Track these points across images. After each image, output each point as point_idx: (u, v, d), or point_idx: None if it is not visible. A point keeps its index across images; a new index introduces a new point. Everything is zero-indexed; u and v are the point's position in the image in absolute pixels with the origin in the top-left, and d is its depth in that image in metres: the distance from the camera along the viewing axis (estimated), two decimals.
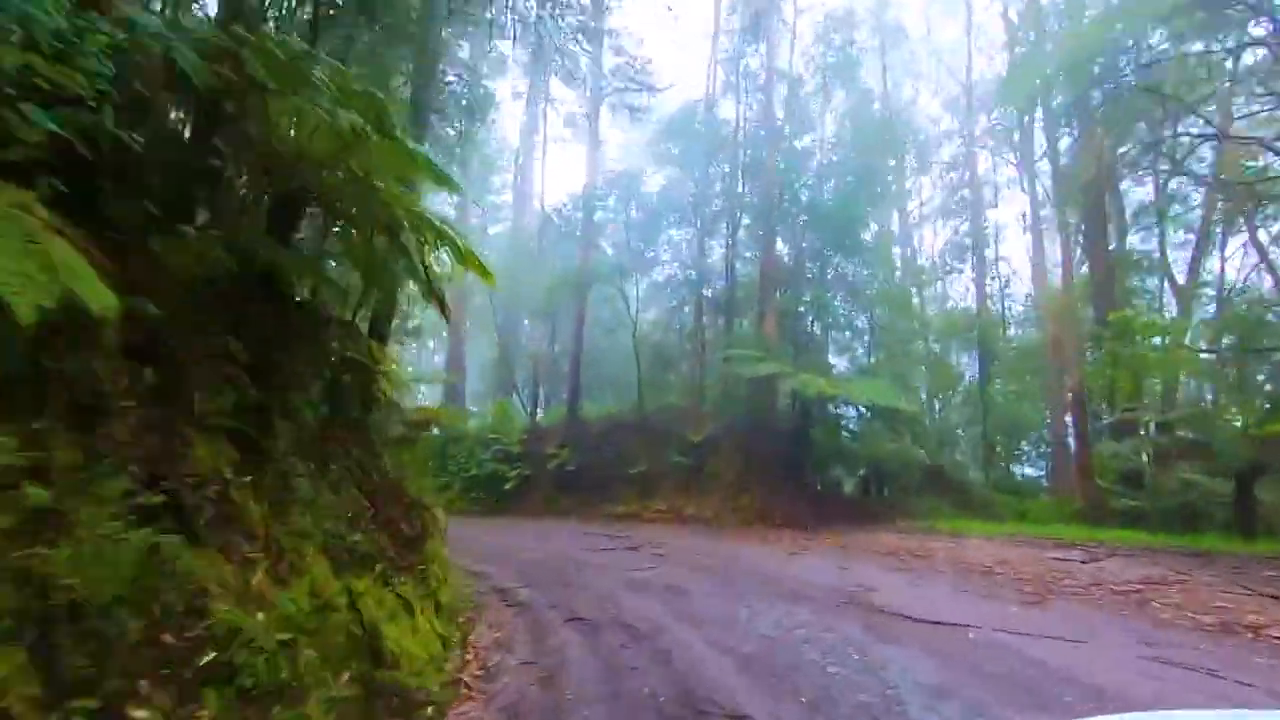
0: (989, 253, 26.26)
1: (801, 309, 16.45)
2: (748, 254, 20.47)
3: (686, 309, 22.10)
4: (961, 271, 24.16)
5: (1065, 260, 16.47)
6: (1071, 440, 21.84)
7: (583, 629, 5.81)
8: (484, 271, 5.78)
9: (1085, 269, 17.22)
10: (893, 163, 20.85)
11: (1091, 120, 15.58)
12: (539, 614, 6.59)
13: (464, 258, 5.59)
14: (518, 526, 14.53)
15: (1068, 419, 21.76)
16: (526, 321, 27.53)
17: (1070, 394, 15.48)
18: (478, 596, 7.77)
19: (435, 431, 20.94)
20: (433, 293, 5.70)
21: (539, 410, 23.27)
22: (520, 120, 30.00)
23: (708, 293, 20.39)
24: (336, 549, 3.66)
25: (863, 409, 15.37)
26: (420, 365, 32.45)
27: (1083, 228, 16.61)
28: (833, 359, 19.48)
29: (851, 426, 18.62)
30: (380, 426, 6.56)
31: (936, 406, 24.16)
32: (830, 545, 9.89)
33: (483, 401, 26.33)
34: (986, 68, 26.82)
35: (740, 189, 19.59)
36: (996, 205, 27.19)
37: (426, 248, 5.70)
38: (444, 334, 30.14)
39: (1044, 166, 21.88)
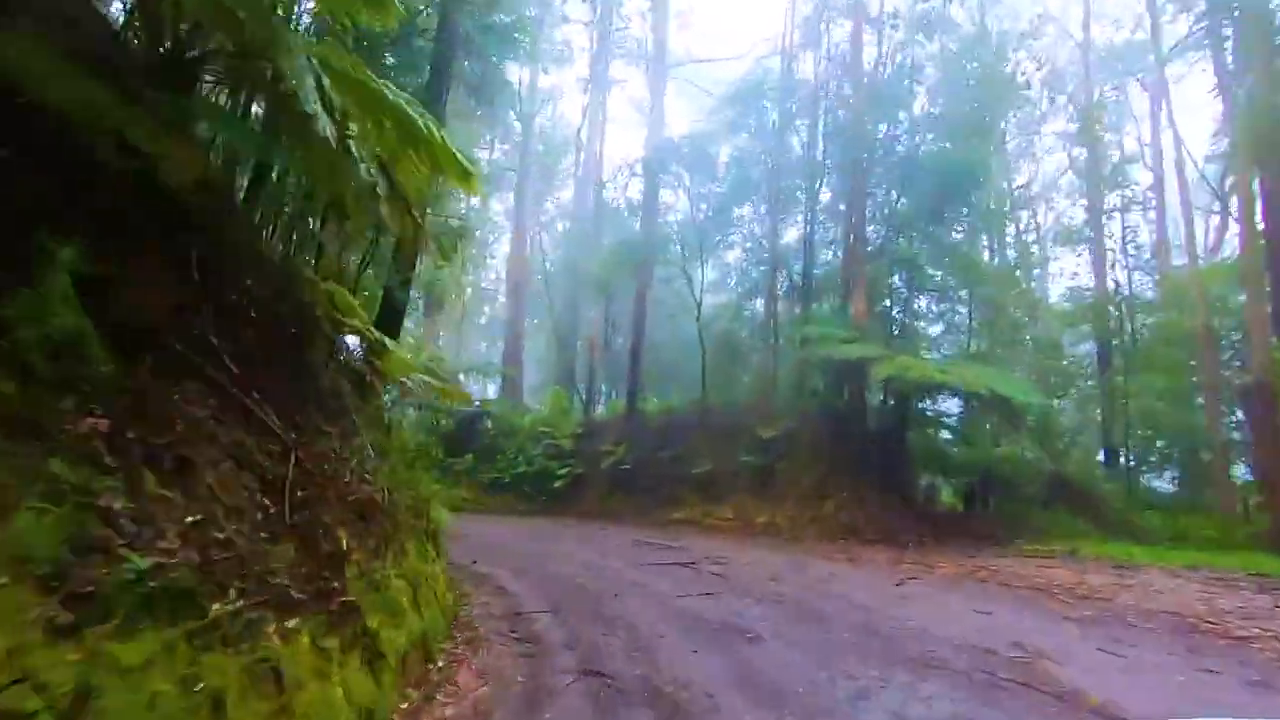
0: (1114, 230, 22.54)
1: (896, 280, 13.89)
2: (830, 230, 18.08)
3: (758, 301, 19.90)
4: (1093, 241, 20.44)
5: (1243, 230, 13.15)
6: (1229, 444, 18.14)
7: (599, 695, 3.95)
8: (461, 173, 4.04)
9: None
10: (1000, 123, 17.84)
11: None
12: (549, 658, 4.79)
13: (432, 150, 3.86)
14: (563, 530, 12.88)
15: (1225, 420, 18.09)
16: (592, 315, 26.09)
17: (1253, 387, 12.22)
18: (484, 622, 6.07)
19: (488, 424, 19.80)
20: (387, 197, 4.00)
21: (598, 404, 21.73)
22: (582, 103, 28.53)
23: (782, 277, 18.15)
24: (87, 583, 1.94)
25: (971, 404, 12.73)
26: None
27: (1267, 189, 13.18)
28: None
29: (952, 424, 15.90)
30: (332, 395, 4.95)
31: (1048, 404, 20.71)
32: (949, 573, 7.56)
33: (540, 396, 25.04)
34: (1100, 33, 23.41)
35: (821, 155, 17.21)
36: (1124, 178, 23.34)
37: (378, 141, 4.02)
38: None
39: (1189, 129, 18.32)
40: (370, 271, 9.02)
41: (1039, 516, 13.42)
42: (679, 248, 17.12)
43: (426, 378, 8.50)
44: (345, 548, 3.72)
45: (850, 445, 12.65)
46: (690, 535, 12.01)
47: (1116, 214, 22.13)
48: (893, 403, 12.46)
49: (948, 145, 13.52)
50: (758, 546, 10.62)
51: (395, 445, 6.16)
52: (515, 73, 27.06)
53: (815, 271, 17.08)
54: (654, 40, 25.94)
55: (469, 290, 35.42)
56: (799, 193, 18.31)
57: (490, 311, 37.06)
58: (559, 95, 32.28)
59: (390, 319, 8.91)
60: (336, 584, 3.36)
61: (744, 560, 8.79)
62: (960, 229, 15.29)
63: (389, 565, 4.18)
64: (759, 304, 19.99)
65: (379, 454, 5.66)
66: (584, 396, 19.62)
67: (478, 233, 31.92)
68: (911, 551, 9.31)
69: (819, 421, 13.81)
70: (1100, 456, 18.34)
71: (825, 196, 18.17)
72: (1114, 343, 18.79)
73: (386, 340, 5.25)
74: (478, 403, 21.11)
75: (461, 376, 27.34)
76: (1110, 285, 20.60)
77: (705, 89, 25.32)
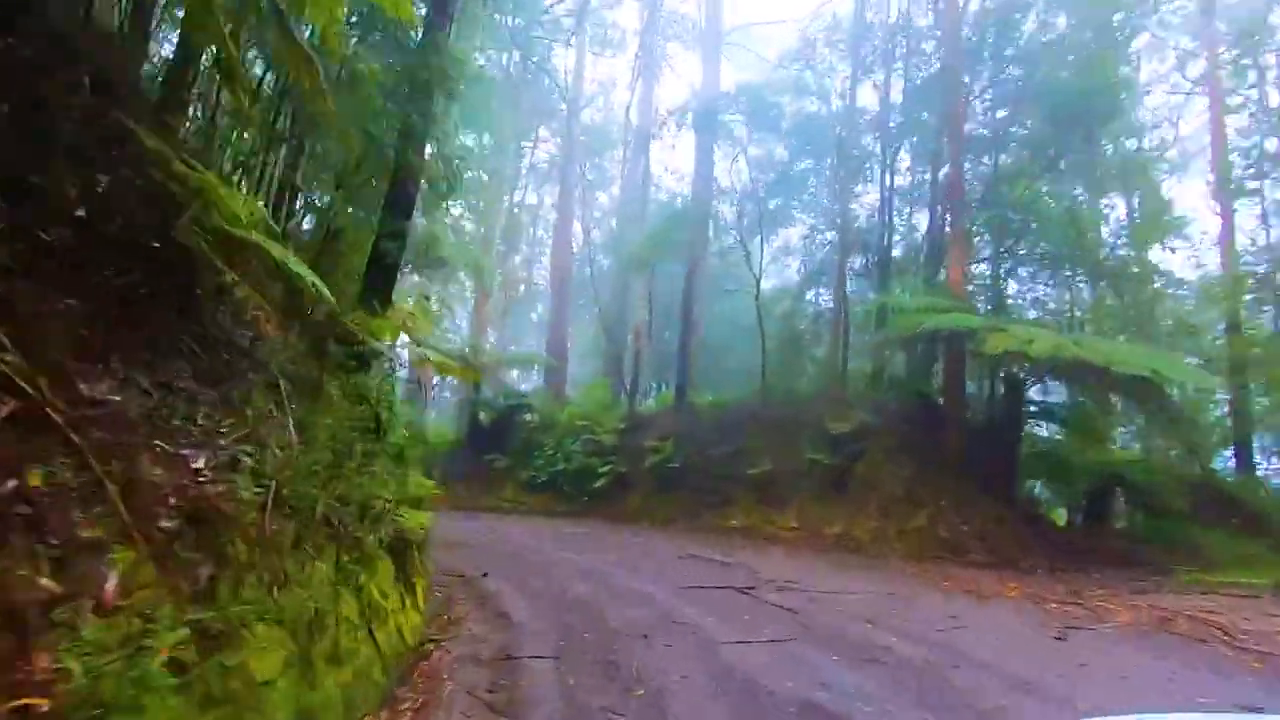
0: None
1: (992, 249, 11.36)
2: (910, 199, 15.71)
3: (821, 290, 17.60)
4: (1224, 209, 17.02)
5: None
6: None
7: None
8: None
9: None
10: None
11: None
12: None
13: None
14: (599, 536, 11.14)
15: None
16: (640, 303, 24.35)
17: None
18: (460, 670, 4.40)
19: (528, 418, 18.27)
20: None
21: (648, 397, 19.95)
22: (629, 80, 26.74)
23: (854, 252, 15.87)
24: None
25: (1104, 393, 10.16)
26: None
27: None
28: None
29: (1062, 418, 13.13)
30: (226, 345, 3.32)
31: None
32: (1129, 621, 5.27)
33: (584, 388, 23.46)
34: None
35: (901, 110, 14.90)
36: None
37: None
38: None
39: None
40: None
41: (1189, 535, 10.68)
42: (736, 220, 15.05)
43: (422, 349, 6.91)
44: (108, 587, 2.01)
45: (945, 443, 10.35)
46: (747, 547, 10.04)
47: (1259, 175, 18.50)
48: (1001, 390, 10.02)
49: (1065, 75, 10.91)
50: (833, 565, 8.54)
51: (341, 425, 4.50)
52: (561, 59, 25.83)
53: (892, 240, 14.77)
54: (707, 8, 23.94)
55: (522, 287, 34.49)
56: (871, 161, 16.09)
57: (544, 308, 35.95)
58: (610, 88, 30.97)
59: (379, 277, 7.37)
60: (26, 666, 1.66)
61: (820, 585, 6.77)
62: (1075, 189, 12.59)
63: (232, 606, 2.47)
64: (822, 293, 17.80)
65: (305, 434, 4.03)
66: (629, 388, 17.79)
67: (527, 224, 30.69)
68: (1045, 580, 7.05)
69: (903, 414, 11.56)
70: (1227, 460, 15.04)
71: (904, 164, 15.90)
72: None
73: (313, 280, 3.56)
74: (523, 393, 19.77)
75: (515, 373, 26.12)
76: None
77: (764, 57, 23.18)
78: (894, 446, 11.08)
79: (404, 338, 7.86)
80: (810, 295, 17.26)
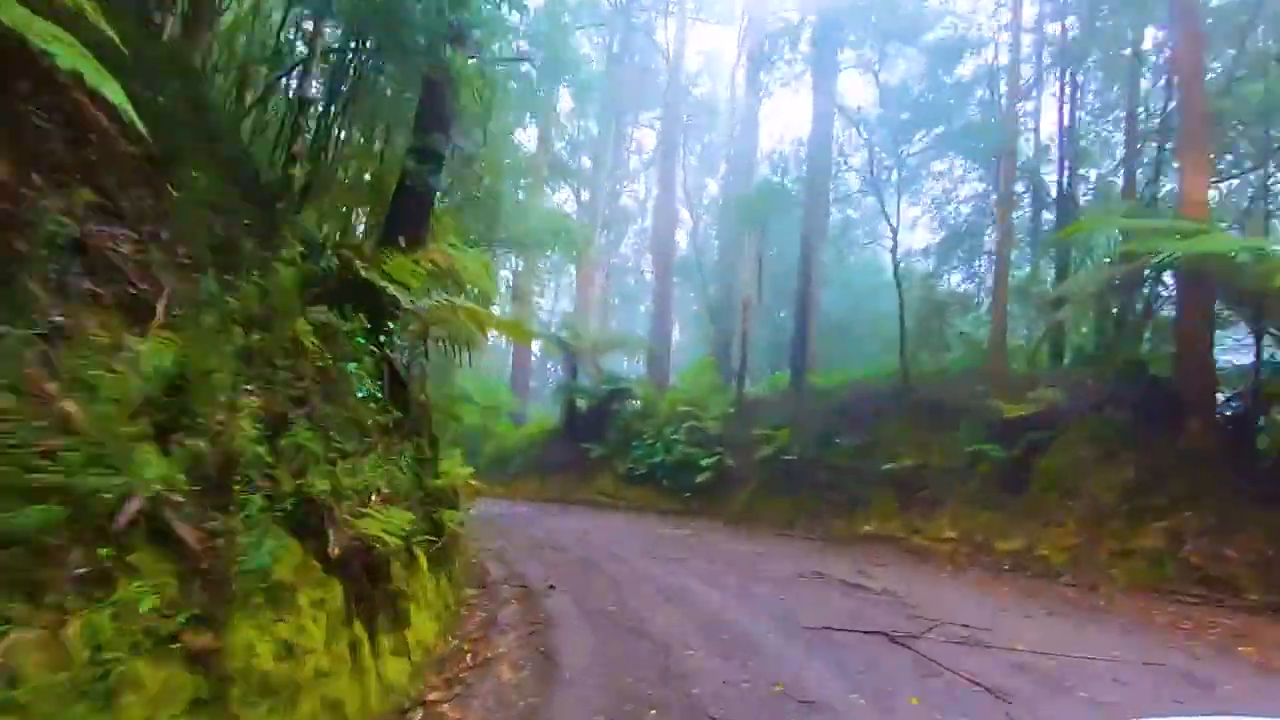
0: None
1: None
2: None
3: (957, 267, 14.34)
4: None
5: None
6: None
7: None
8: None
9: None
10: None
11: None
12: None
13: None
14: (698, 542, 9.27)
15: None
16: (756, 290, 22.13)
17: None
18: None
19: (633, 404, 16.70)
20: None
21: (759, 380, 17.75)
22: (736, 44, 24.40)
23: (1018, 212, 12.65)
24: None
25: None
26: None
27: None
28: None
29: None
30: None
31: None
32: None
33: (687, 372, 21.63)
34: None
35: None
36: None
37: None
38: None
39: None
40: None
41: None
42: (866, 166, 12.39)
43: (446, 297, 5.35)
44: None
45: (1182, 433, 7.32)
46: (889, 564, 7.72)
47: None
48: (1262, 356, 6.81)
49: None
50: (1026, 599, 6.05)
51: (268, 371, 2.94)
52: (663, 33, 24.13)
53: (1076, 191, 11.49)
54: None
55: (631, 280, 33.26)
56: (1040, 84, 12.87)
57: (651, 301, 34.65)
58: (715, 60, 29.00)
59: (409, 208, 5.93)
60: None
61: (1022, 638, 4.43)
62: None
63: None
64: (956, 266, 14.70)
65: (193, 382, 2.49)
66: (738, 370, 15.65)
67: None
68: None
69: (1104, 393, 8.59)
70: None
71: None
72: None
73: (124, 104, 1.98)
74: (622, 377, 18.31)
75: (625, 363, 24.84)
76: None
77: None
78: (1097, 436, 8.18)
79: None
80: (961, 253, 14.17)
